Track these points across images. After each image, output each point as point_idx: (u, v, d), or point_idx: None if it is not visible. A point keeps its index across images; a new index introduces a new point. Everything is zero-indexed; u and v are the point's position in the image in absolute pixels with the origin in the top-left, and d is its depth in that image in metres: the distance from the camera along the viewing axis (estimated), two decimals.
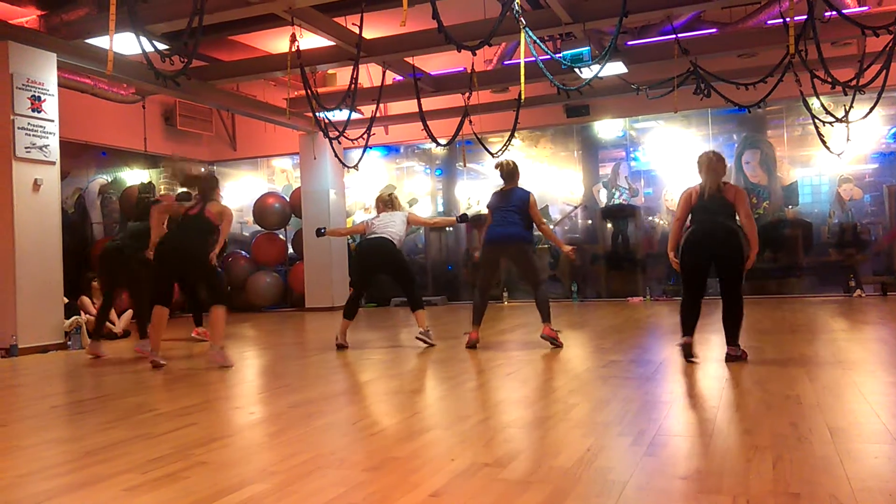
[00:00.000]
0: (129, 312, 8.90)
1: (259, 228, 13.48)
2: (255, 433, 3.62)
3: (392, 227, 6.64)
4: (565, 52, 8.24)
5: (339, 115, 9.21)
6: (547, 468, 2.70)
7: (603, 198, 12.37)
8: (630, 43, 9.65)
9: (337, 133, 8.05)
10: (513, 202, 6.29)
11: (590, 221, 12.54)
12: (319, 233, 7.29)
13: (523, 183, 6.55)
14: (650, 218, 12.11)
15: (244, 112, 11.63)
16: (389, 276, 6.89)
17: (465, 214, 7.92)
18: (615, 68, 9.15)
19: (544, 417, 3.59)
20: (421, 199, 13.63)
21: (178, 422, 3.76)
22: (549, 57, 7.53)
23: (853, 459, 2.67)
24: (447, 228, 13.34)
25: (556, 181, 12.66)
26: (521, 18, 6.51)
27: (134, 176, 13.08)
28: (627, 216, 12.06)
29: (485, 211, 6.82)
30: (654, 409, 3.73)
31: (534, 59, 7.23)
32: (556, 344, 6.10)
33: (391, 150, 13.73)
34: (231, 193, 14.30)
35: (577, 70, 8.28)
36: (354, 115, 11.47)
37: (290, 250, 13.35)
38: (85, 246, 11.49)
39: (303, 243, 12.44)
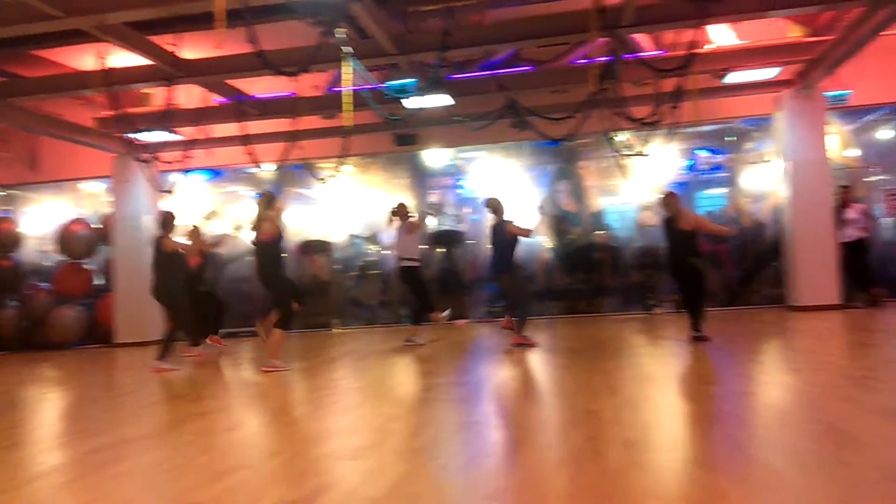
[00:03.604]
0: None
1: (63, 258, 12.35)
2: (46, 483, 3.28)
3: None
4: (391, 83, 8.38)
5: (160, 137, 8.74)
6: (356, 500, 2.67)
7: (432, 223, 12.63)
8: (453, 76, 10.00)
9: (150, 156, 7.59)
10: (495, 238, 7.74)
11: (420, 247, 12.72)
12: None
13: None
14: (475, 243, 12.51)
15: (47, 132, 10.67)
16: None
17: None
18: (441, 100, 9.44)
19: (361, 447, 3.56)
20: (246, 224, 13.16)
21: None
22: (375, 86, 7.64)
23: (642, 469, 2.89)
24: None
25: (387, 208, 12.74)
26: (346, 47, 6.55)
27: None
28: (454, 241, 12.38)
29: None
30: (467, 430, 3.83)
31: (359, 87, 7.29)
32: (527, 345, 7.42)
33: (216, 173, 13.18)
34: (30, 220, 13.03)
35: (403, 100, 8.45)
36: (174, 137, 10.94)
37: (99, 281, 12.34)
38: None
39: (114, 274, 11.56)
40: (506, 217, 7.77)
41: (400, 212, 8.76)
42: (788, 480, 2.63)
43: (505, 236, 7.66)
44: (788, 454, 2.97)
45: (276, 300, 7.12)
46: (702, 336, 6.90)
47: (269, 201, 7.09)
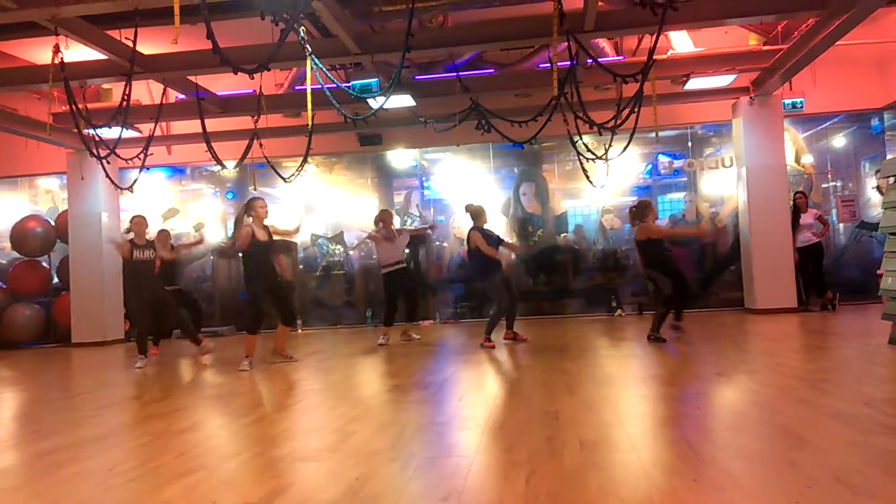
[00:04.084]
0: None
1: (18, 255, 12.04)
2: None
3: None
4: (354, 82, 8.34)
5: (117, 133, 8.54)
6: (313, 502, 2.66)
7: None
8: (417, 77, 10.01)
9: (107, 151, 7.43)
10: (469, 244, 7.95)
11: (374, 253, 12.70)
12: None
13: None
14: (438, 244, 12.53)
15: (1, 127, 10.38)
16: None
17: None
18: (404, 100, 9.43)
19: (320, 448, 3.54)
20: (209, 223, 13.00)
21: None
22: (337, 86, 7.58)
23: (597, 469, 2.92)
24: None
25: (351, 208, 12.72)
26: (308, 45, 6.49)
27: None
28: (419, 242, 12.39)
29: None
30: (427, 431, 3.83)
31: (321, 86, 7.23)
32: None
33: (177, 171, 12.99)
34: None
35: (368, 100, 8.41)
36: (134, 134, 10.73)
37: (55, 279, 12.07)
38: None
39: (70, 271, 11.31)
40: (486, 224, 8.05)
41: (384, 217, 8.89)
42: (741, 481, 2.68)
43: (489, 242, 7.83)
44: (742, 455, 3.04)
45: (248, 303, 7.38)
46: (658, 337, 7.25)
47: (247, 206, 7.28)
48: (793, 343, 7.16)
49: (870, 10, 7.10)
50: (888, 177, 6.55)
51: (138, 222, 8.05)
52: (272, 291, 7.25)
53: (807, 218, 10.13)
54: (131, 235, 8.05)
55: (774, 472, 2.77)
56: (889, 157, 10.60)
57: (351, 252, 12.52)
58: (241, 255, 7.27)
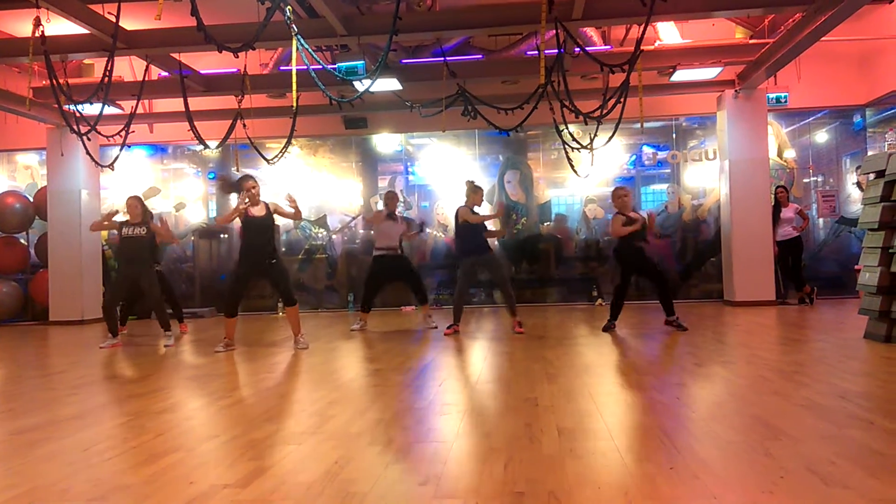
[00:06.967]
0: None
1: None
2: None
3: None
4: (340, 64, 8.27)
5: (98, 110, 8.42)
6: (290, 485, 2.65)
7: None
8: (404, 61, 9.94)
9: (88, 128, 7.32)
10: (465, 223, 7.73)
11: (371, 232, 12.66)
12: None
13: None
14: (424, 230, 12.50)
15: None
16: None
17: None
18: (390, 84, 9.36)
19: (298, 432, 3.53)
20: (190, 203, 12.88)
21: None
22: (323, 67, 7.52)
23: (574, 457, 2.94)
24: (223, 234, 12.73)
25: (335, 191, 12.65)
26: (294, 25, 6.42)
27: None
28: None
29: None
30: (407, 416, 3.84)
31: (307, 67, 7.16)
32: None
33: (159, 149, 12.84)
34: None
35: (353, 83, 8.34)
36: (116, 111, 10.59)
37: (34, 256, 11.92)
38: None
39: (48, 249, 11.18)
40: (473, 204, 7.86)
41: (389, 199, 8.78)
42: (716, 469, 2.72)
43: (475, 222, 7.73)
44: (718, 444, 3.07)
45: (227, 283, 7.34)
46: (609, 326, 7.60)
47: (237, 185, 7.24)
48: (770, 335, 7.25)
49: (856, 6, 7.14)
50: (868, 173, 6.62)
51: (132, 204, 7.93)
52: (264, 273, 7.15)
53: (787, 212, 10.23)
54: (125, 217, 7.96)
55: (749, 462, 2.81)
56: (870, 153, 10.72)
57: (334, 235, 12.47)
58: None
